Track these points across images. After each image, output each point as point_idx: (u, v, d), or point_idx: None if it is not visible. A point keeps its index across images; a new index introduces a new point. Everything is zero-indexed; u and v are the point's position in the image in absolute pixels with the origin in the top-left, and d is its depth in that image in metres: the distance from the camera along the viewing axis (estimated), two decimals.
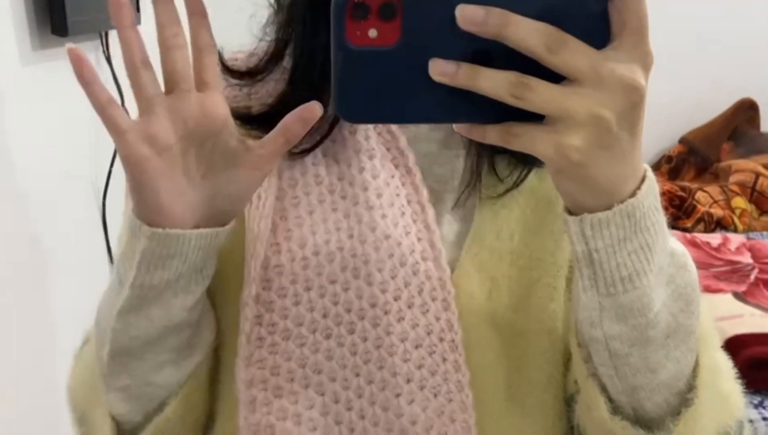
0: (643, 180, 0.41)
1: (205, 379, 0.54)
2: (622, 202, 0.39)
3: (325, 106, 0.45)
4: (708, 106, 2.52)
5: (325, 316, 0.50)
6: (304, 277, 0.50)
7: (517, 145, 0.38)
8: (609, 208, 0.40)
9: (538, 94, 0.36)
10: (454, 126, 0.40)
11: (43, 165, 1.23)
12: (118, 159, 1.72)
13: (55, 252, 1.29)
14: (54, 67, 1.32)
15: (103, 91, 0.43)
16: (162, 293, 0.46)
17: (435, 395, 0.50)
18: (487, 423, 0.52)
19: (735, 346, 1.37)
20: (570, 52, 0.36)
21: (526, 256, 0.54)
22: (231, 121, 0.44)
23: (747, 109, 2.52)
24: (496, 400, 0.53)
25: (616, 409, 0.47)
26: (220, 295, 0.54)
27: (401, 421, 0.49)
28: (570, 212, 0.41)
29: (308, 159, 0.54)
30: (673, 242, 0.45)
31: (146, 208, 0.43)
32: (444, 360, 0.50)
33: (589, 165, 0.37)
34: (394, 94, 0.37)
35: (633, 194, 0.40)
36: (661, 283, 0.43)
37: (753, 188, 2.32)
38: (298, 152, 0.53)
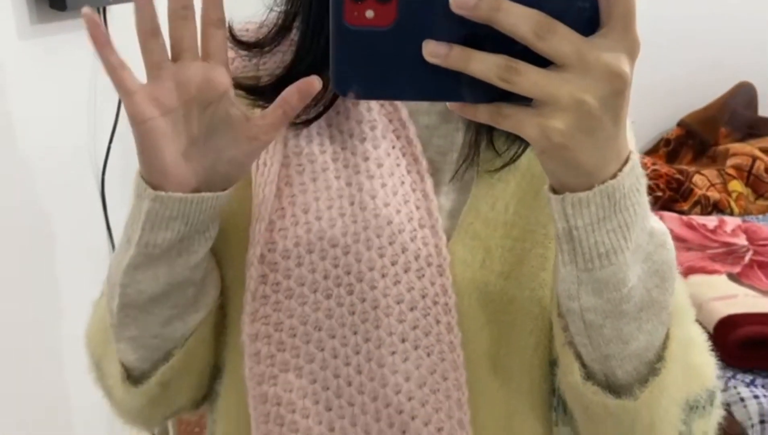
0: (626, 162, 0.42)
1: (209, 333, 0.57)
2: (602, 183, 0.41)
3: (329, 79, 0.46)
4: (706, 90, 2.53)
5: (326, 277, 0.52)
6: (306, 241, 0.53)
7: (505, 126, 0.39)
8: (590, 188, 0.41)
9: (526, 78, 0.37)
10: (448, 104, 0.41)
11: (41, 139, 1.23)
12: (117, 134, 1.72)
13: (54, 224, 1.29)
14: (52, 42, 1.32)
15: (114, 54, 0.45)
16: (166, 253, 0.49)
17: (428, 354, 0.52)
18: (476, 383, 0.54)
19: (728, 325, 1.39)
20: (558, 39, 0.37)
21: (520, 227, 0.56)
22: (231, 91, 0.47)
23: (745, 92, 2.52)
24: (486, 362, 0.55)
25: (589, 375, 0.49)
26: (227, 255, 0.57)
27: (396, 377, 0.52)
28: (554, 191, 0.43)
29: (313, 128, 0.56)
30: (654, 221, 0.46)
31: (151, 169, 0.47)
32: (437, 322, 0.53)
33: (571, 147, 0.39)
34: (389, 72, 0.39)
35: (614, 176, 0.41)
36: (638, 260, 0.44)
37: (750, 172, 2.33)
38: (301, 122, 0.55)
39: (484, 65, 0.37)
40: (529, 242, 0.56)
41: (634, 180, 0.43)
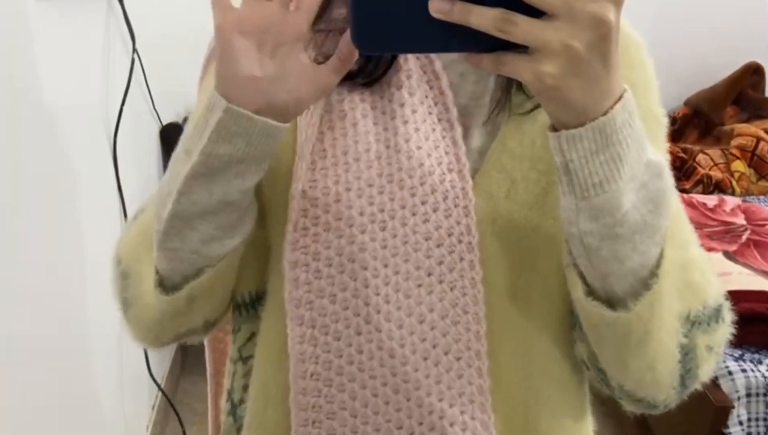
0: (618, 100, 0.46)
1: (236, 261, 0.63)
2: (594, 119, 0.45)
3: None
4: (714, 69, 2.52)
5: (361, 213, 0.57)
6: (345, 179, 0.58)
7: (505, 71, 0.44)
8: (582, 125, 0.45)
9: (520, 28, 0.42)
10: (457, 54, 0.45)
11: (57, 101, 1.26)
12: (128, 97, 1.73)
13: (68, 185, 1.33)
14: (66, 6, 1.34)
15: None
16: (225, 169, 0.53)
17: (451, 289, 0.57)
18: (497, 310, 0.59)
19: None
20: None
21: (546, 161, 0.60)
22: (306, 38, 0.52)
23: (753, 73, 2.52)
24: (507, 287, 0.60)
25: (590, 291, 0.54)
26: (273, 192, 0.62)
27: (420, 308, 0.56)
28: (555, 129, 0.47)
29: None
30: (652, 153, 0.50)
31: (226, 79, 0.51)
32: (461, 259, 0.57)
33: (563, 88, 0.43)
34: (401, 28, 0.44)
35: (605, 113, 0.45)
36: (633, 188, 0.48)
37: (753, 153, 2.34)
38: (365, 83, 0.61)
39: (483, 18, 0.42)
40: (554, 175, 0.59)
41: (627, 116, 0.46)
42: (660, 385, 0.57)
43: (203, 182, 0.54)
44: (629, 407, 0.62)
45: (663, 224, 0.51)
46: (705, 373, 0.59)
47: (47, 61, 1.22)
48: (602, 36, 0.42)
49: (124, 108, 1.57)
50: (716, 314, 0.59)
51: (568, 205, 0.49)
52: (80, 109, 1.40)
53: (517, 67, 0.43)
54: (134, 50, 1.64)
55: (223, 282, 0.63)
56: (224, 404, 0.73)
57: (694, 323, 0.57)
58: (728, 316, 0.60)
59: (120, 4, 1.59)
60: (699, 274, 0.58)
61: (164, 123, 2.01)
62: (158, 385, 1.77)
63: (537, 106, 0.60)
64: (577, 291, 0.54)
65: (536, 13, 0.42)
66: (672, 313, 0.55)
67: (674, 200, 0.53)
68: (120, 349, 1.58)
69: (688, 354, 0.57)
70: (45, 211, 1.21)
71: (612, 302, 0.53)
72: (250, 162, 0.53)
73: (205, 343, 1.01)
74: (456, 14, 0.42)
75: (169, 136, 2.00)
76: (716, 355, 0.60)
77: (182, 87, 1.57)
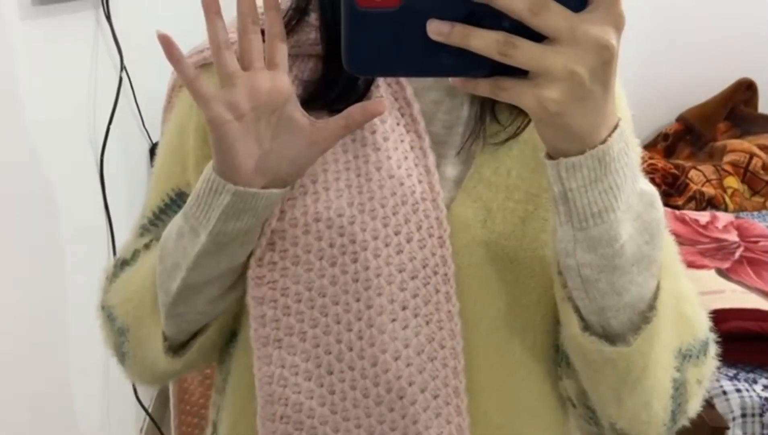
0: (615, 128, 0.45)
1: (237, 305, 0.62)
2: (593, 148, 0.44)
3: None
4: (706, 85, 2.52)
5: (331, 245, 0.55)
6: (314, 210, 0.56)
7: (504, 97, 0.43)
8: (582, 153, 0.45)
9: (522, 52, 0.41)
10: (450, 80, 0.44)
11: (42, 121, 1.25)
12: (115, 117, 1.73)
13: (53, 204, 1.31)
14: (53, 23, 1.33)
15: (190, 68, 0.50)
16: (232, 241, 0.54)
17: (427, 322, 0.55)
18: (477, 344, 0.58)
19: (714, 320, 1.40)
20: (550, 15, 0.40)
21: (522, 190, 0.59)
22: (294, 96, 0.52)
23: (745, 89, 2.52)
24: (486, 321, 0.58)
25: (586, 326, 0.52)
26: None
27: (395, 343, 0.54)
28: (550, 157, 0.46)
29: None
30: (644, 183, 0.50)
31: (226, 167, 0.51)
32: (437, 291, 0.55)
33: (565, 115, 0.42)
34: (396, 50, 0.42)
35: (604, 141, 0.45)
36: (629, 218, 0.48)
37: (746, 168, 2.33)
38: (337, 109, 0.59)
39: (483, 41, 0.41)
40: (532, 205, 0.59)
41: (623, 145, 0.46)
42: (653, 422, 0.56)
43: (212, 257, 0.54)
44: None
45: (658, 255, 0.51)
46: (693, 408, 0.58)
47: (31, 79, 1.20)
48: (605, 61, 0.42)
49: (112, 126, 1.55)
50: (705, 347, 0.58)
51: (565, 235, 0.48)
52: (65, 128, 1.38)
53: (517, 92, 0.42)
54: (122, 67, 1.62)
55: (225, 327, 0.64)
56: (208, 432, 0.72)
57: (685, 357, 0.56)
58: (714, 349, 0.59)
59: (108, 22, 1.58)
60: (690, 306, 0.57)
61: (155, 141, 1.99)
62: (145, 409, 1.74)
63: (511, 137, 0.58)
64: (572, 326, 0.52)
65: (537, 38, 0.41)
66: (668, 347, 0.54)
67: (666, 231, 0.52)
68: (106, 372, 1.56)
69: (679, 389, 0.56)
70: (28, 235, 1.19)
71: (609, 337, 0.52)
72: (255, 229, 0.54)
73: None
74: (455, 37, 0.41)
75: None
76: (703, 389, 0.59)
77: None
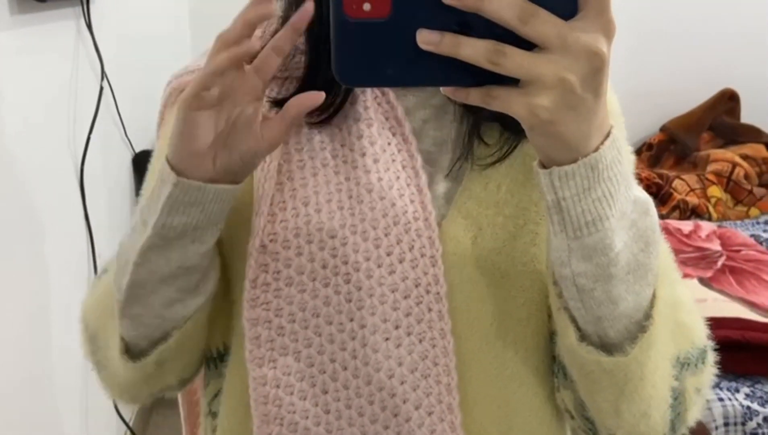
0: (607, 136, 0.45)
1: (204, 318, 0.61)
2: (586, 156, 0.44)
3: None
4: (690, 96, 2.54)
5: (324, 266, 0.56)
6: (306, 232, 0.56)
7: (495, 106, 0.42)
8: (575, 161, 0.44)
9: (512, 60, 0.40)
10: (441, 89, 0.44)
11: (21, 131, 1.24)
12: (97, 127, 1.71)
13: (33, 215, 1.30)
14: (32, 33, 1.32)
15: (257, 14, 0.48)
16: (180, 237, 0.52)
17: (420, 341, 0.55)
18: (469, 359, 0.58)
19: None
20: (540, 23, 0.40)
21: (512, 205, 0.59)
22: (262, 98, 0.51)
23: (728, 99, 2.54)
24: (478, 335, 0.58)
25: (583, 336, 0.52)
26: (233, 247, 0.61)
27: (389, 362, 0.55)
28: (543, 166, 0.46)
29: (313, 126, 0.60)
30: (638, 191, 0.49)
31: (181, 153, 0.50)
32: (429, 310, 0.56)
33: (557, 123, 0.42)
34: (386, 60, 0.42)
35: (596, 149, 0.44)
36: (624, 226, 0.47)
37: (729, 178, 2.35)
38: (316, 123, 0.59)
39: (473, 50, 0.40)
40: (522, 219, 0.59)
41: (615, 153, 0.45)
42: (652, 432, 0.55)
43: (159, 252, 0.53)
44: None
45: (654, 263, 0.50)
46: (693, 416, 0.58)
47: (10, 87, 1.19)
48: (596, 69, 0.41)
49: (92, 135, 1.54)
50: (703, 355, 0.57)
51: (559, 245, 0.48)
52: (45, 137, 1.37)
53: (508, 101, 0.42)
54: (103, 75, 1.61)
55: (192, 342, 0.62)
56: None
57: (683, 365, 0.55)
58: (712, 356, 0.59)
59: (89, 30, 1.57)
60: (687, 313, 0.56)
61: (137, 150, 1.98)
62: (125, 422, 1.72)
63: (498, 160, 0.59)
64: (569, 337, 0.52)
65: (528, 46, 0.41)
66: (665, 356, 0.53)
67: (661, 238, 0.52)
68: (85, 385, 1.54)
69: (677, 398, 0.55)
70: (6, 246, 1.18)
71: (607, 347, 0.52)
72: (205, 227, 0.53)
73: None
74: (445, 46, 0.40)
75: (143, 164, 1.97)
76: (702, 398, 0.59)
77: (157, 112, 1.54)
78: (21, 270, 1.23)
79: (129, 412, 1.84)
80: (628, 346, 0.51)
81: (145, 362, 0.59)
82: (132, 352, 0.60)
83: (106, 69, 1.62)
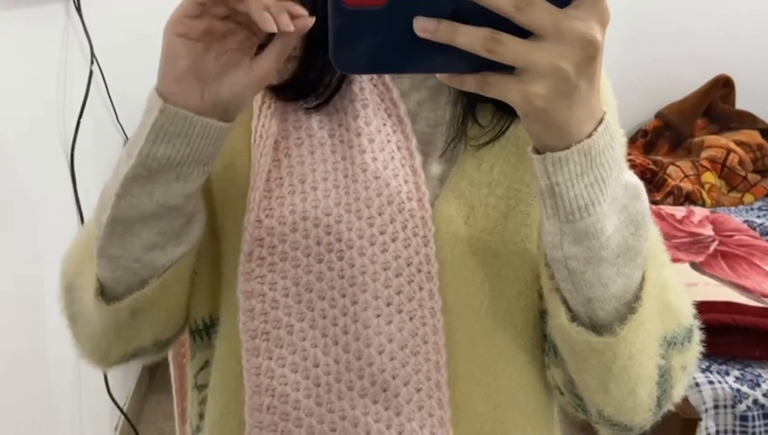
0: (600, 122, 0.46)
1: (186, 272, 0.61)
2: (579, 142, 0.45)
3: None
4: (684, 82, 2.54)
5: (318, 243, 0.56)
6: (302, 208, 0.57)
7: (490, 93, 0.43)
8: (568, 147, 0.45)
9: (507, 48, 0.41)
10: (438, 76, 0.45)
11: (10, 115, 1.23)
12: (88, 112, 1.70)
13: (24, 199, 1.29)
14: (20, 15, 1.31)
15: None
16: (165, 171, 0.52)
17: (410, 318, 0.56)
18: (459, 337, 0.59)
19: None
20: (535, 11, 0.41)
21: (504, 186, 0.60)
22: (253, 52, 0.51)
23: (722, 85, 2.54)
24: (469, 313, 0.59)
25: (574, 317, 0.53)
26: (226, 218, 0.61)
27: (379, 338, 0.56)
28: (537, 152, 0.47)
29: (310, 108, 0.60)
30: (629, 176, 0.50)
31: (165, 80, 0.50)
32: (420, 289, 0.57)
33: (551, 110, 0.43)
34: (383, 48, 0.42)
35: (589, 135, 0.45)
36: (615, 211, 0.48)
37: (723, 164, 2.35)
38: (312, 107, 0.59)
39: (469, 37, 0.41)
40: (514, 200, 0.60)
41: (608, 138, 0.46)
42: (639, 408, 0.57)
43: (143, 184, 0.52)
44: (605, 431, 0.61)
45: (644, 246, 0.51)
46: (678, 393, 0.59)
47: (1, 73, 1.19)
48: (590, 56, 0.42)
49: (83, 120, 1.53)
50: (689, 334, 0.59)
51: (551, 229, 0.49)
52: (34, 123, 1.36)
53: (503, 88, 0.42)
54: (93, 58, 1.60)
55: (170, 296, 0.61)
56: (187, 429, 0.72)
57: (670, 344, 0.56)
58: (698, 335, 0.60)
59: (78, 13, 1.56)
60: (674, 294, 0.57)
61: (129, 135, 1.97)
62: (119, 406, 1.72)
63: (492, 140, 0.59)
64: (560, 317, 0.53)
65: (523, 34, 0.41)
66: (653, 336, 0.54)
67: (651, 222, 0.53)
68: (78, 369, 1.54)
69: (664, 375, 0.57)
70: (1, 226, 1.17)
71: (596, 327, 0.52)
72: (191, 164, 0.52)
73: (170, 359, 0.98)
74: (442, 33, 0.41)
75: None
76: (688, 375, 0.60)
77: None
78: (11, 254, 1.23)
79: (123, 397, 1.84)
80: (618, 326, 0.51)
81: (119, 306, 0.58)
82: (107, 296, 0.59)
83: (96, 52, 1.61)
